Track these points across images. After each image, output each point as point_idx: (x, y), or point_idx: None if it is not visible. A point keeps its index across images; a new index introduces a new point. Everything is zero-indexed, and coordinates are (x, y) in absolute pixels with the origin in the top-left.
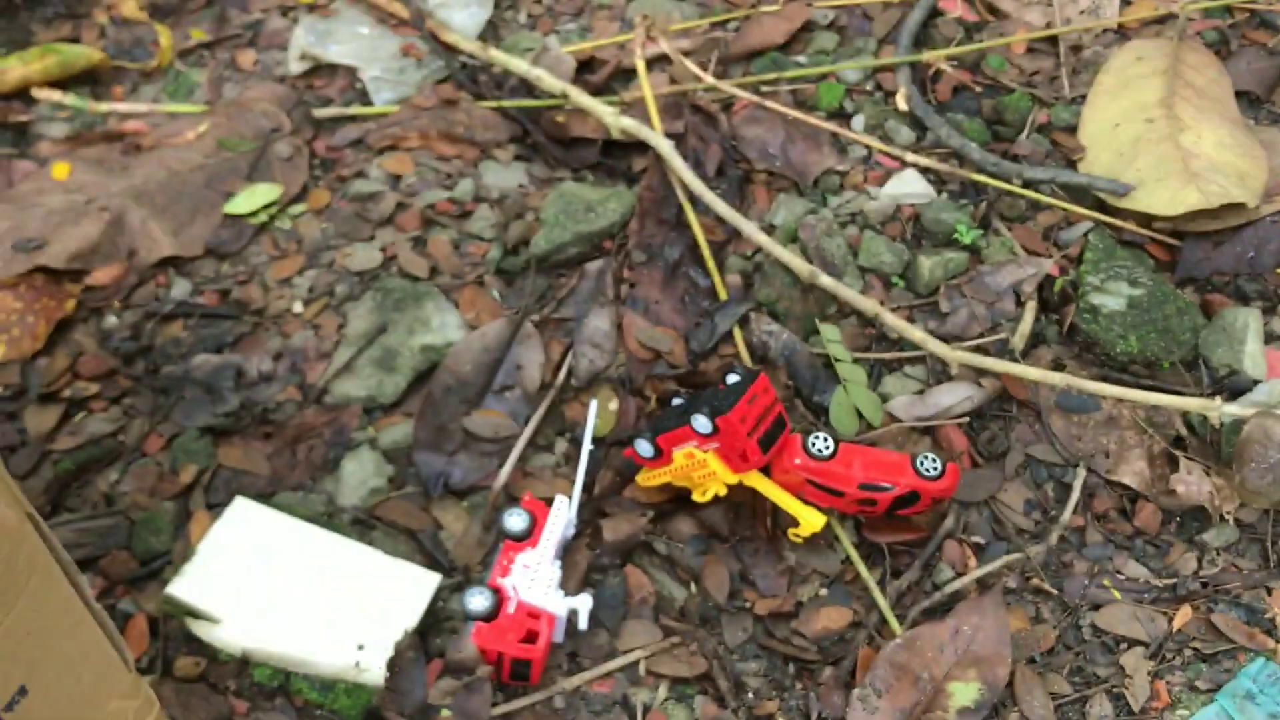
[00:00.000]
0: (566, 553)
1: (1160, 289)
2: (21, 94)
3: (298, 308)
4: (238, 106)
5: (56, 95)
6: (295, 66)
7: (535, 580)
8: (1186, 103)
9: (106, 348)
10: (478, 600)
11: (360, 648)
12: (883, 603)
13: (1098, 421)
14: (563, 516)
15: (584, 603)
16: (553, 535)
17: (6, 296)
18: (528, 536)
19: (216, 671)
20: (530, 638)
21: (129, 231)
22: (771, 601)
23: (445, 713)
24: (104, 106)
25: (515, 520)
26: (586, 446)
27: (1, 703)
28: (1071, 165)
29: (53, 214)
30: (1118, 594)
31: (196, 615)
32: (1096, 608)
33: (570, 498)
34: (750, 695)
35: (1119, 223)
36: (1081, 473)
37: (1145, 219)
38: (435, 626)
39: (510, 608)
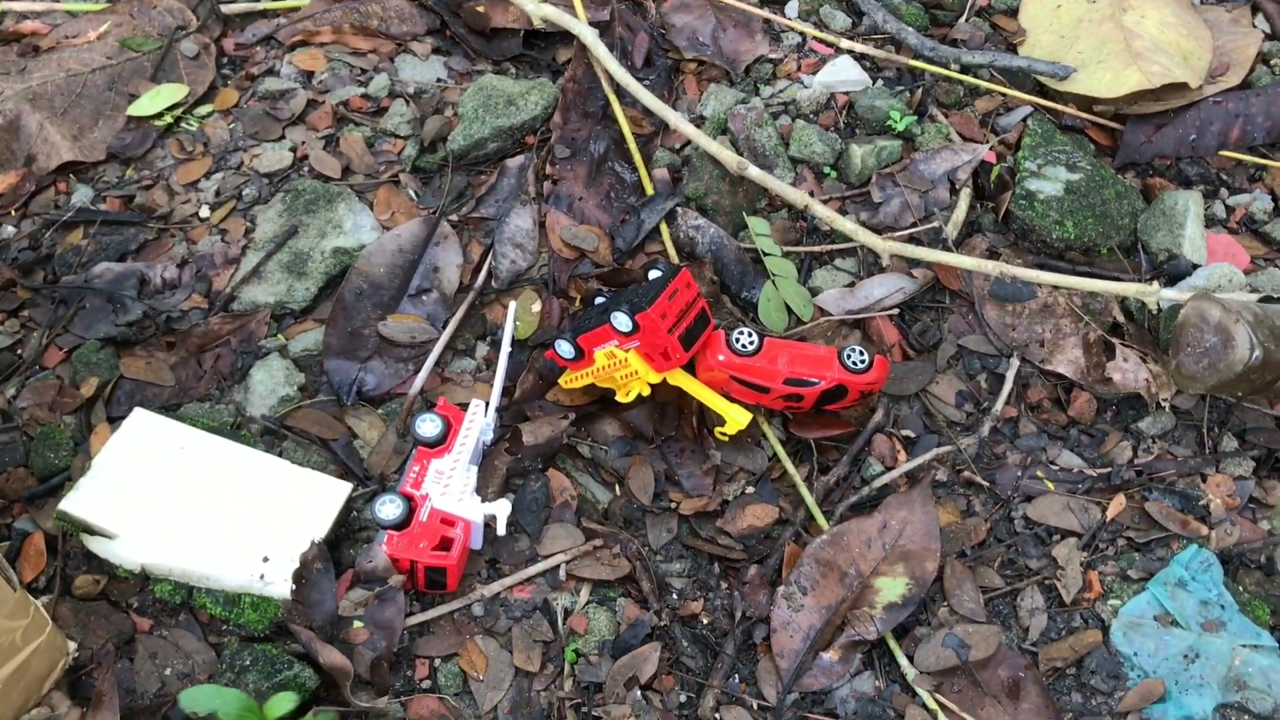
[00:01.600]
0: (486, 458)
1: (1099, 173)
2: None
3: (204, 212)
4: (141, 4)
5: None
6: None
7: (449, 487)
8: None
9: (3, 258)
10: (389, 508)
11: (265, 560)
12: (809, 499)
13: (1032, 310)
14: (478, 421)
15: (502, 508)
16: (468, 440)
17: None
18: (442, 442)
19: (117, 589)
20: (445, 545)
21: (25, 136)
22: (697, 501)
23: (357, 624)
24: None
25: (428, 426)
26: (505, 349)
27: None
28: (1011, 49)
29: None
30: (1051, 485)
31: (92, 531)
32: (1029, 499)
33: (488, 402)
34: (674, 596)
35: (1059, 107)
36: (1015, 363)
37: (1086, 102)
38: (349, 537)
39: (423, 515)
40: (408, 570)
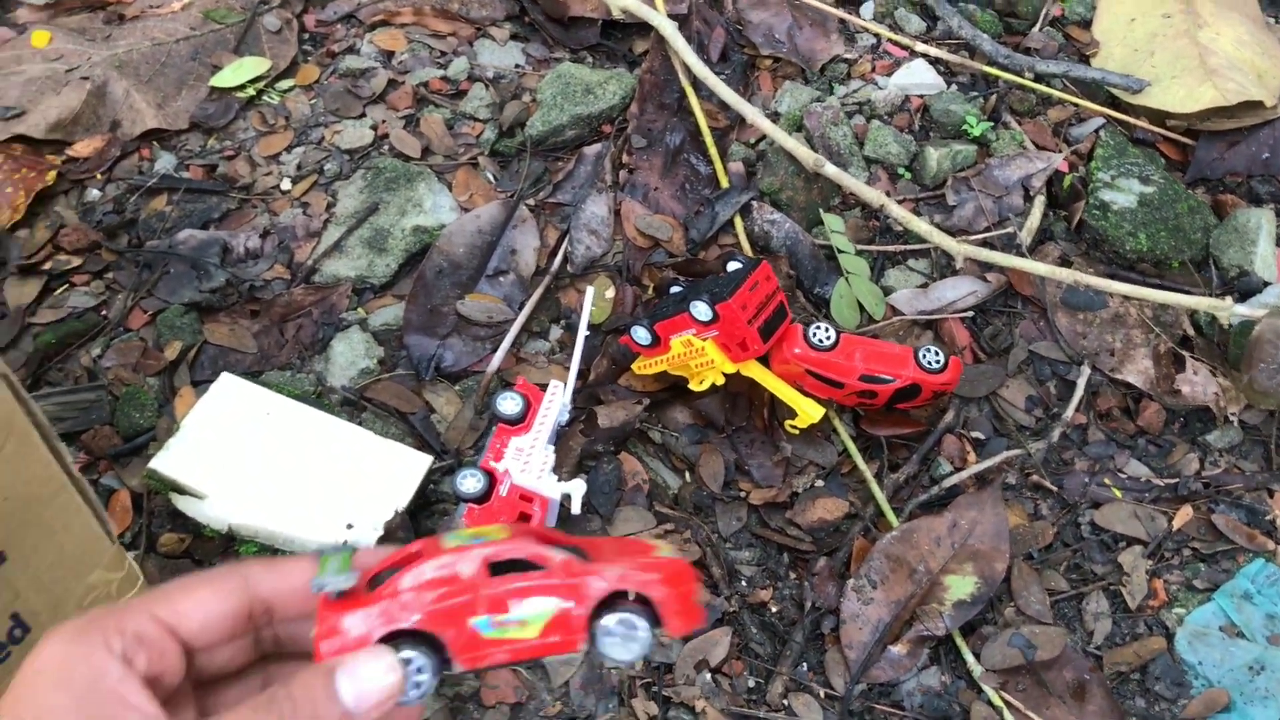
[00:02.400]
0: (560, 439)
1: (1172, 187)
2: None
3: (286, 185)
4: None
5: None
6: None
7: (529, 464)
8: None
9: (88, 220)
10: (470, 482)
11: (349, 526)
12: (880, 495)
13: (1104, 319)
14: (557, 401)
15: (577, 487)
16: (547, 420)
17: None
18: (521, 420)
19: (202, 547)
20: (523, 520)
21: (112, 102)
22: (767, 491)
23: None
24: None
25: (509, 404)
26: (582, 333)
27: None
28: (1084, 60)
29: (32, 82)
30: (1118, 493)
31: (181, 490)
32: (1096, 506)
33: (565, 383)
34: (744, 583)
35: (1131, 120)
36: (1085, 370)
37: (1159, 116)
38: (426, 509)
39: (503, 490)
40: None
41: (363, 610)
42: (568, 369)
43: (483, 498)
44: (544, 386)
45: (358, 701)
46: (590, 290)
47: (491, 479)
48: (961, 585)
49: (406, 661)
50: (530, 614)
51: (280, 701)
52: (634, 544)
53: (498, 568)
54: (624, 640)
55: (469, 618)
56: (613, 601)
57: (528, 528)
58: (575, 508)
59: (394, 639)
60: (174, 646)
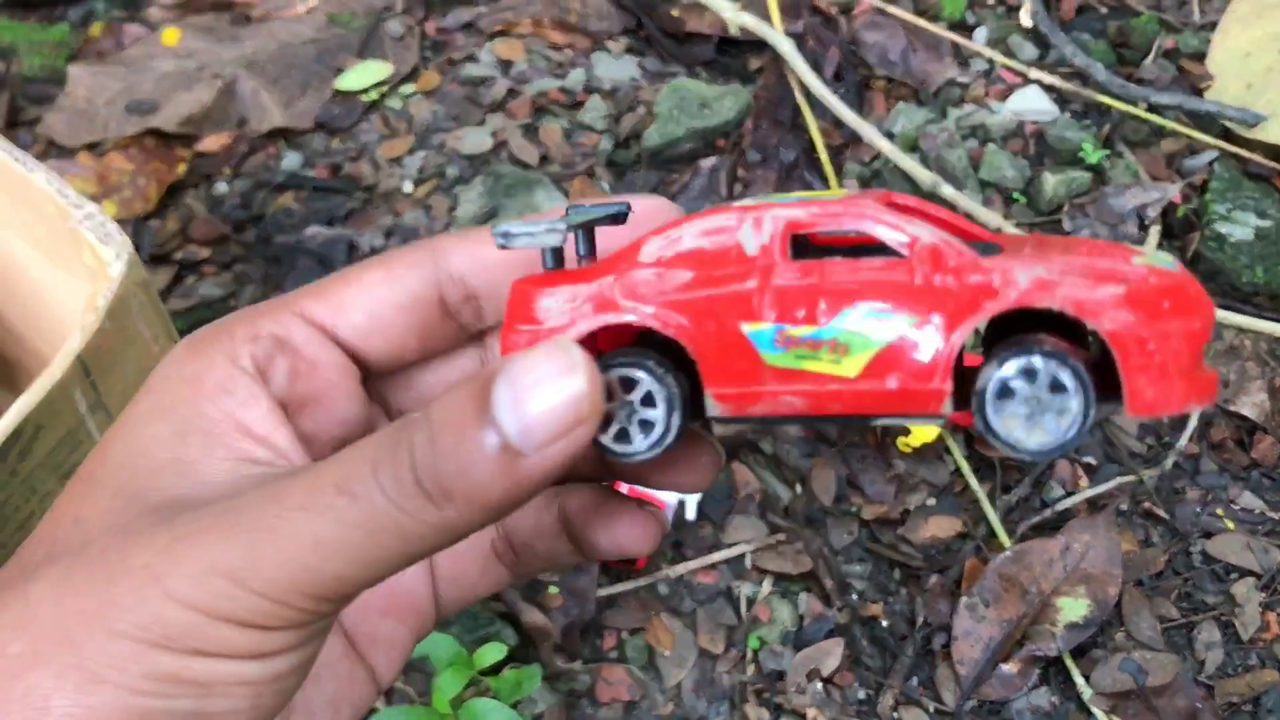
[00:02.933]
0: None
1: None
2: None
3: (408, 187)
4: None
5: None
6: None
7: None
8: None
9: (217, 214)
10: None
11: None
12: (992, 515)
13: (1218, 351)
14: None
15: (694, 494)
16: None
17: (118, 158)
18: None
19: None
20: None
21: (240, 100)
22: (879, 507)
23: (553, 589)
24: None
25: None
26: None
27: None
28: (1197, 93)
29: (165, 78)
30: (1231, 524)
31: None
32: (1208, 535)
33: None
34: (855, 596)
35: (1246, 154)
36: None
37: (1274, 151)
38: None
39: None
40: None
41: (569, 288)
42: None
43: None
44: None
45: (522, 428)
46: None
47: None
48: (1073, 608)
49: (627, 382)
50: (855, 332)
51: (414, 429)
52: (1102, 245)
53: (807, 249)
54: (1033, 412)
55: (742, 322)
56: (1021, 334)
57: (878, 193)
58: (690, 513)
59: (613, 345)
60: (331, 354)
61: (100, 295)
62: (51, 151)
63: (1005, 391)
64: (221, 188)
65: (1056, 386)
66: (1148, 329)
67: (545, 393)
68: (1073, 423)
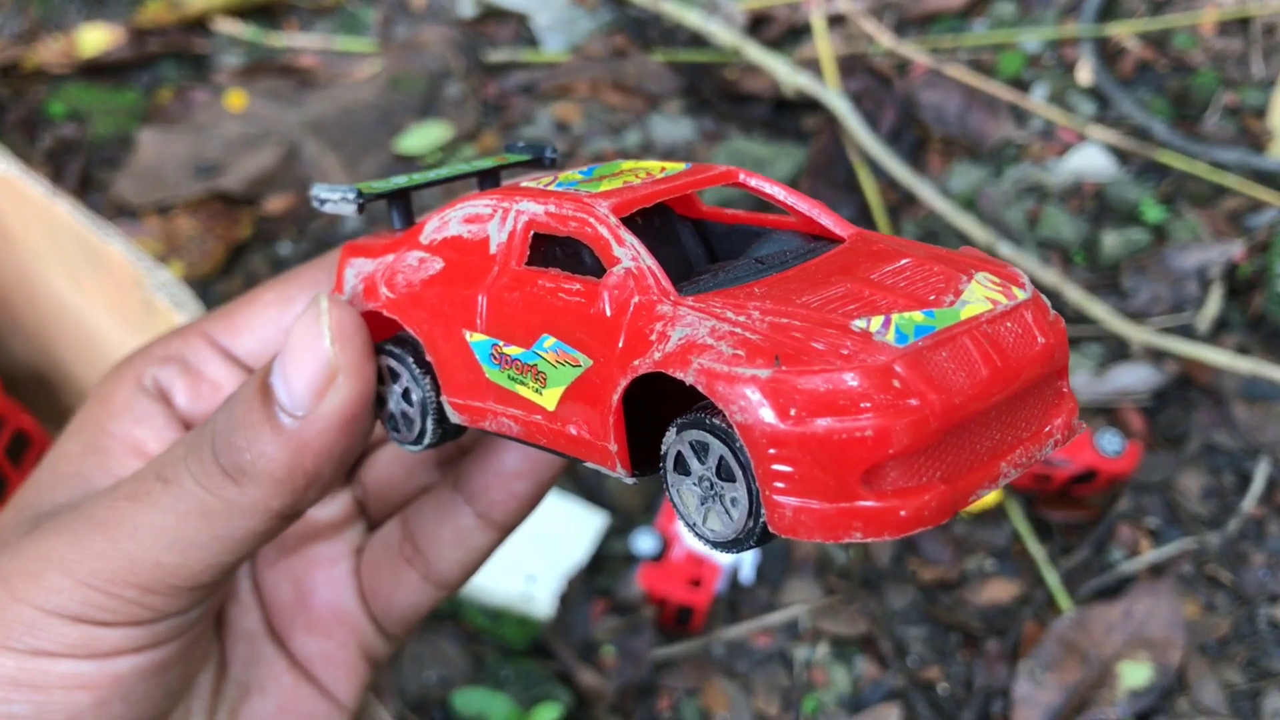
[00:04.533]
0: None
1: None
2: (201, 24)
3: None
4: (409, 47)
5: (234, 27)
6: (467, 10)
7: None
8: None
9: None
10: (646, 542)
11: (531, 579)
12: (1052, 579)
13: None
14: None
15: (749, 555)
16: None
17: (185, 219)
18: None
19: None
20: (695, 583)
21: (304, 162)
22: (937, 569)
23: (608, 649)
24: (279, 40)
25: None
26: None
27: None
28: (1258, 149)
29: (230, 141)
30: None
31: None
32: (1274, 601)
33: None
34: (912, 660)
35: None
36: (1265, 463)
37: None
38: (598, 566)
39: (677, 553)
40: (659, 603)
41: (363, 262)
42: None
43: (658, 558)
44: None
45: (288, 392)
46: None
47: (666, 540)
48: (1135, 673)
49: (393, 372)
50: (550, 363)
51: (216, 412)
52: (930, 273)
53: (555, 250)
54: (706, 495)
55: (466, 329)
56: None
57: (715, 170)
58: (746, 575)
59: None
60: (230, 373)
61: None
62: (120, 213)
63: (681, 464)
64: (285, 249)
65: (725, 472)
66: (785, 432)
67: (302, 356)
68: (743, 518)
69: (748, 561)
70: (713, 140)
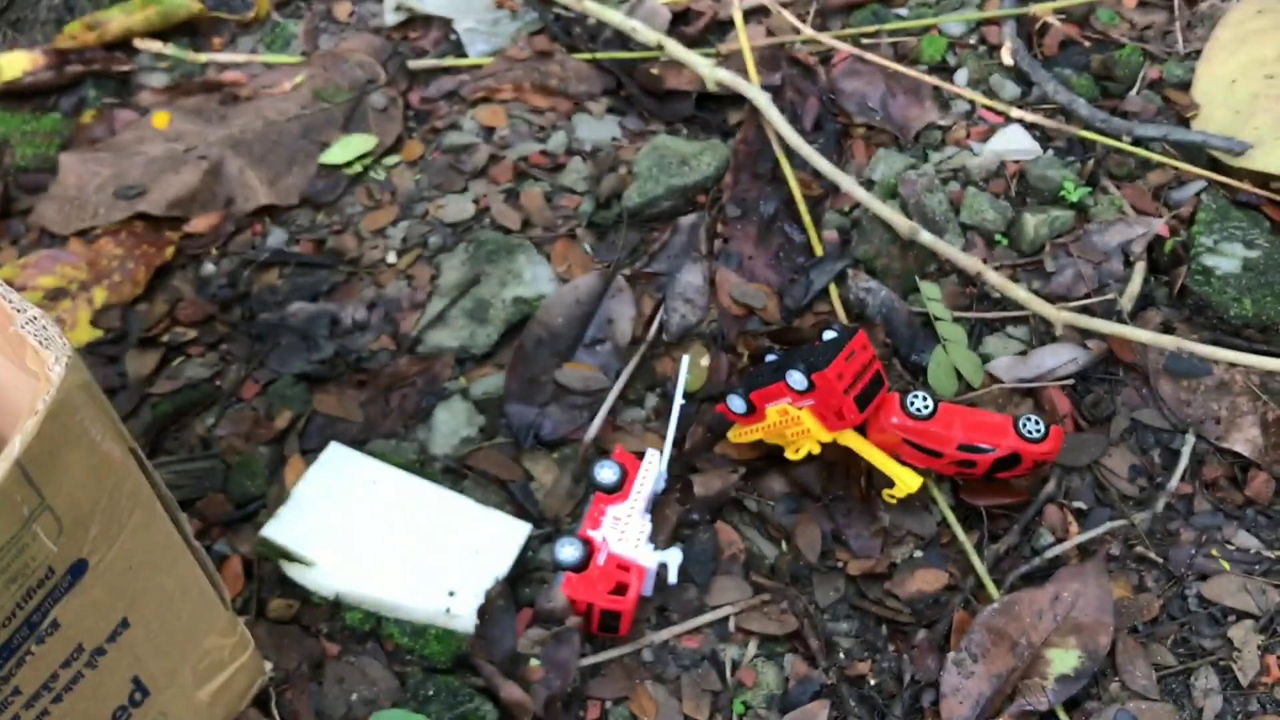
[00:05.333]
0: (656, 507)
1: (1278, 251)
2: (123, 44)
3: (391, 258)
4: (334, 57)
5: (157, 45)
6: (390, 18)
7: (625, 533)
8: None
9: (204, 294)
10: (568, 550)
11: (451, 594)
12: (980, 567)
13: (1208, 387)
14: (654, 470)
15: (674, 557)
16: (643, 488)
17: (108, 243)
18: (618, 489)
19: (309, 614)
20: (620, 589)
21: (227, 180)
22: (865, 562)
23: (534, 662)
24: (203, 57)
25: (606, 473)
26: (678, 401)
27: (105, 634)
28: (1184, 123)
29: (153, 162)
30: (1226, 565)
31: (290, 557)
32: (1204, 578)
33: (661, 452)
34: (841, 655)
35: (1234, 183)
36: (1190, 439)
37: (1262, 179)
38: (524, 576)
39: (600, 559)
40: (584, 612)
41: None
42: (664, 437)
43: (581, 566)
44: (640, 455)
45: None
46: (685, 359)
47: (589, 547)
48: (1064, 659)
49: None
50: None
51: None
52: None
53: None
54: None
55: None
56: None
57: None
58: (672, 577)
59: None
60: None
61: (40, 399)
62: (44, 240)
63: None
64: (208, 268)
65: None
66: None
67: None
68: None
69: (674, 563)
70: (638, 139)
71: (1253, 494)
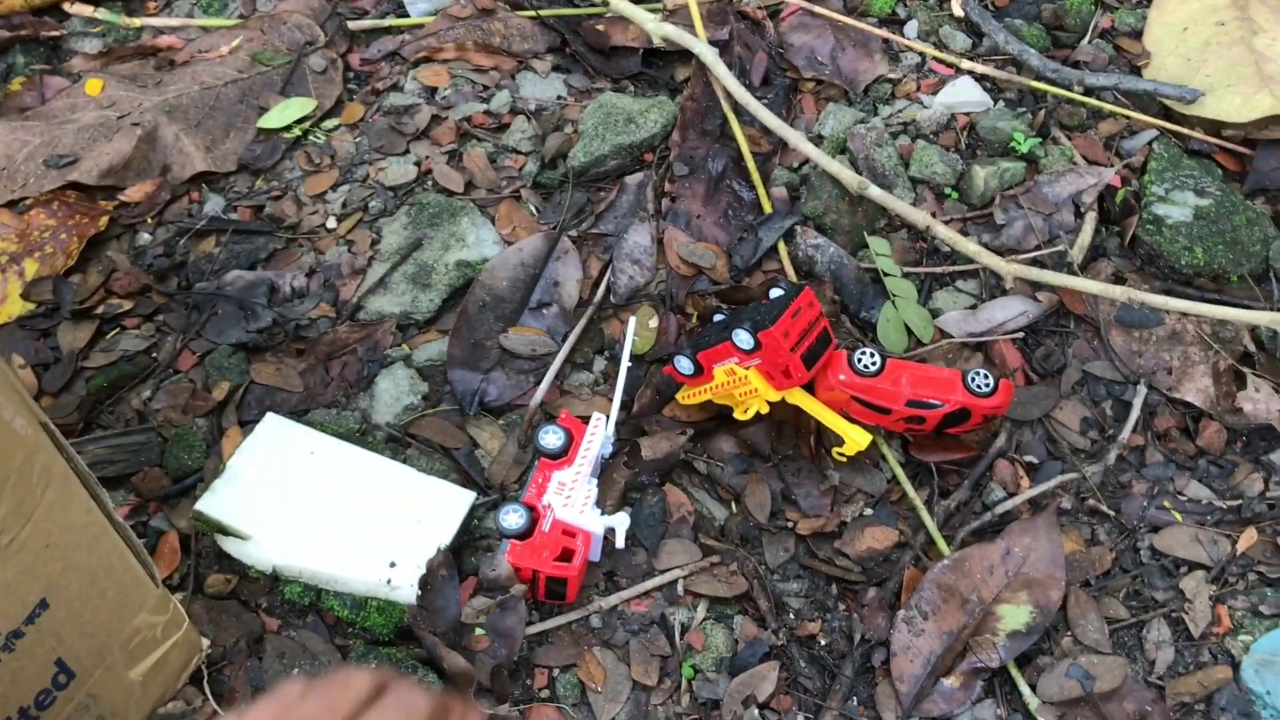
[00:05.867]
0: (604, 471)
1: (1229, 199)
2: (54, 8)
3: (331, 223)
4: (271, 20)
5: (89, 10)
6: None
7: (571, 498)
8: (1261, 3)
9: (140, 264)
10: (512, 518)
11: (392, 565)
12: (930, 523)
13: (1160, 337)
14: (600, 435)
15: (621, 521)
16: (589, 453)
17: (39, 214)
18: (564, 454)
19: (248, 588)
20: (566, 556)
21: (162, 147)
22: (814, 521)
23: (479, 631)
24: (137, 21)
25: (551, 438)
26: (625, 364)
27: (21, 616)
28: (1135, 71)
29: (85, 130)
30: (1179, 516)
31: (226, 531)
32: (1156, 530)
33: (608, 416)
34: (791, 616)
35: (1186, 131)
36: (1142, 390)
37: (1214, 127)
38: (470, 545)
39: (545, 525)
40: (529, 579)
41: None
42: (611, 400)
43: (525, 533)
44: (587, 419)
45: None
46: (633, 321)
47: (534, 514)
48: (1016, 615)
49: None
50: None
51: None
52: None
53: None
54: None
55: None
56: None
57: None
58: (619, 542)
59: None
60: None
61: None
62: None
63: None
64: (144, 237)
65: None
66: None
67: None
68: None
69: (621, 527)
70: (584, 97)
71: (1204, 444)
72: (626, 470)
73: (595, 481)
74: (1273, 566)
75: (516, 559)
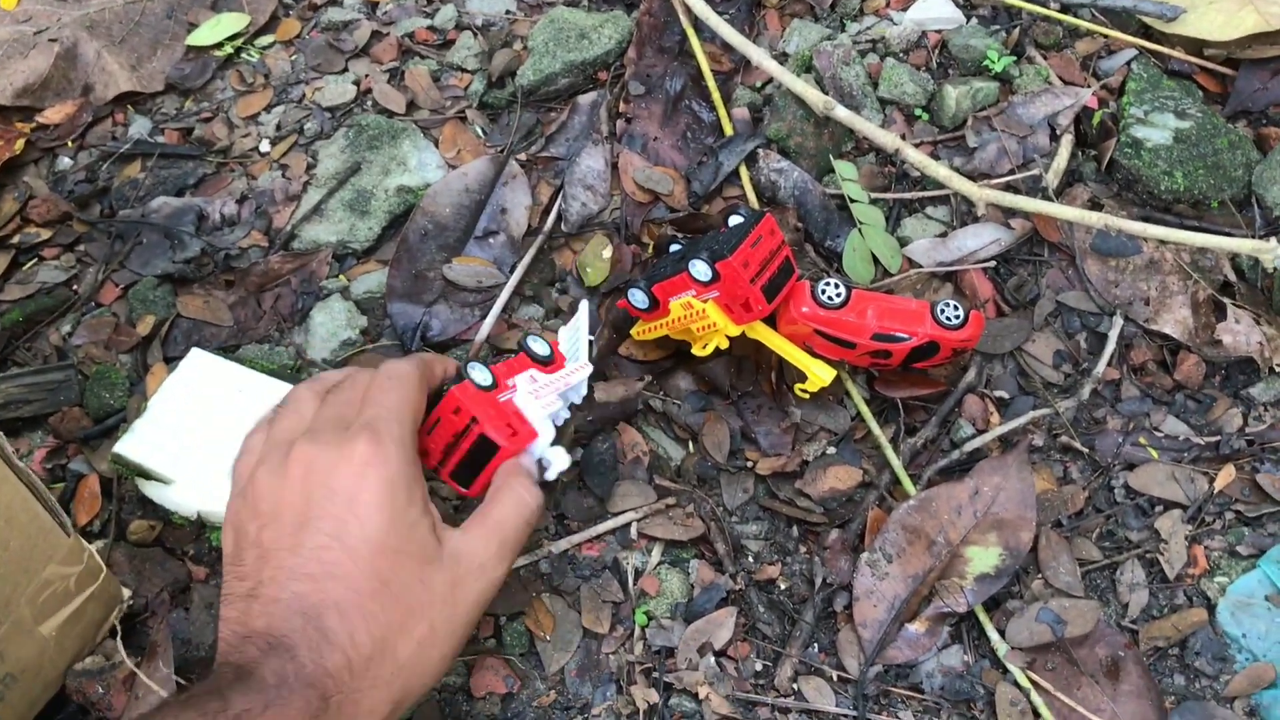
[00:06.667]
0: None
1: (1210, 121)
2: None
3: (265, 147)
4: None
5: None
6: None
7: (540, 394)
8: None
9: (59, 190)
10: (480, 373)
11: None
12: (895, 462)
13: (1137, 266)
14: (580, 374)
15: (561, 459)
16: (568, 379)
17: None
18: (546, 364)
19: (173, 535)
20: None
21: (83, 65)
22: (775, 460)
23: None
24: None
25: (539, 345)
26: (584, 344)
27: None
28: None
29: None
30: (1154, 453)
31: (147, 475)
32: (1130, 467)
33: (581, 361)
34: (750, 559)
35: (1166, 50)
36: (1118, 321)
37: (1195, 46)
38: None
39: (502, 397)
40: (451, 439)
41: None
42: (561, 340)
43: (485, 389)
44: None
45: None
46: (585, 304)
47: (498, 380)
48: (984, 557)
49: None
50: None
51: None
52: None
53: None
54: None
55: None
56: None
57: None
58: (550, 475)
59: None
60: None
61: None
62: None
63: None
64: (64, 162)
65: None
66: None
67: None
68: None
69: (557, 465)
70: (534, 11)
71: (1182, 378)
72: (580, 414)
73: (566, 409)
74: (1250, 505)
75: (464, 399)
